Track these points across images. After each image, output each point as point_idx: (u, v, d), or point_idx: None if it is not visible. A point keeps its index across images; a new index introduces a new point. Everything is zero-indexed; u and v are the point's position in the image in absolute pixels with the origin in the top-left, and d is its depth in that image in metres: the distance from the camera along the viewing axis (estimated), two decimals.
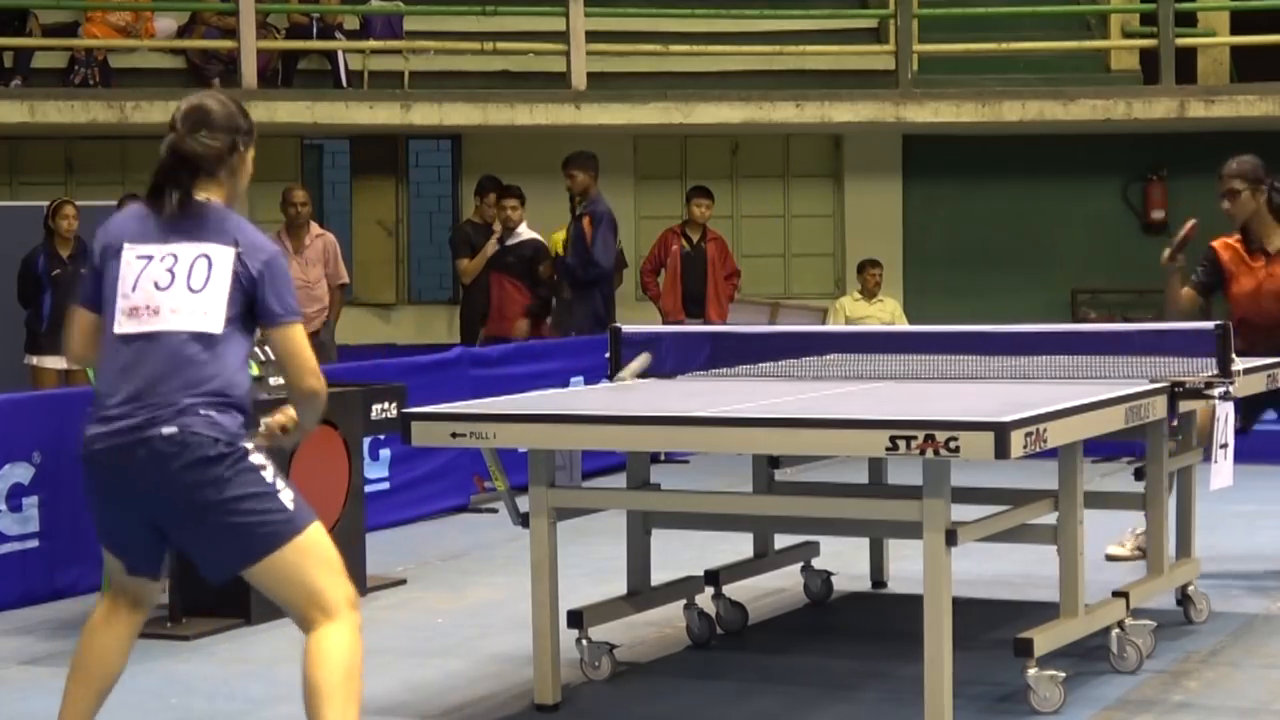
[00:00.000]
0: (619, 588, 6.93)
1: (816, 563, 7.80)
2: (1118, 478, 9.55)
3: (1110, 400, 6.10)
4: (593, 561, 8.22)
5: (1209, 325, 6.74)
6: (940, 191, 17.86)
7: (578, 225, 12.80)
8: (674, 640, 7.13)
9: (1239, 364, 6.64)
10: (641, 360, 7.26)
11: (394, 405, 8.38)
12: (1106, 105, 16.42)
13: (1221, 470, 6.70)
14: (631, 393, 6.91)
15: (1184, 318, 8.15)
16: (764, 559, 7.59)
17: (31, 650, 7.27)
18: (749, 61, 17.34)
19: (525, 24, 16.74)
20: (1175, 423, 6.72)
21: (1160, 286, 8.63)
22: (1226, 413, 6.68)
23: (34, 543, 8.06)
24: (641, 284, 15.03)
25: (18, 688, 6.65)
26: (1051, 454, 5.96)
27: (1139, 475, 7.02)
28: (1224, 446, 6.71)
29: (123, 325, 4.77)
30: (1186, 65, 17.39)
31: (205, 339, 4.73)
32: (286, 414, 5.04)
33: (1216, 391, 6.56)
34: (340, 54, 16.64)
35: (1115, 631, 6.44)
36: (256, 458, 4.75)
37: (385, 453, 10.02)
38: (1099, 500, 7.24)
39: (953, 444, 5.21)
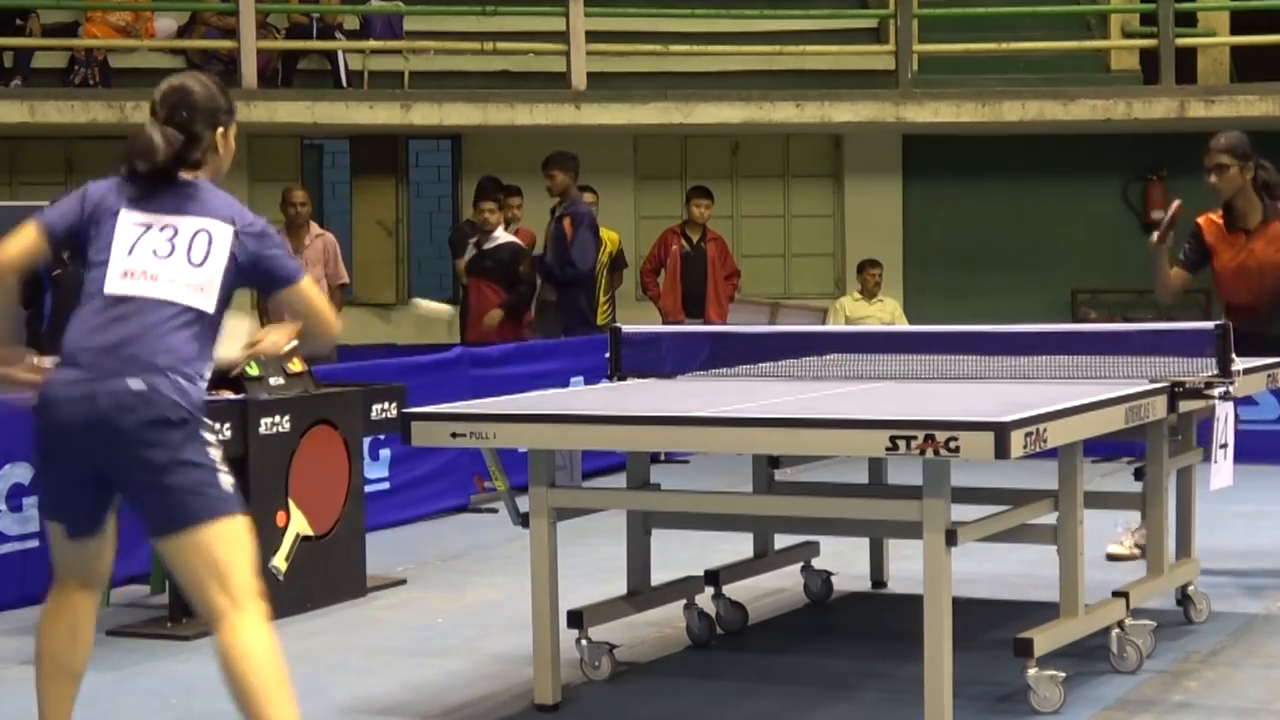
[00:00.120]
0: (619, 588, 6.93)
1: (816, 563, 7.81)
2: (1118, 478, 9.55)
3: (1110, 400, 6.10)
4: (593, 561, 8.22)
5: (1209, 325, 6.75)
6: (940, 191, 17.86)
7: (558, 226, 12.81)
8: (674, 640, 7.13)
9: (1239, 364, 6.64)
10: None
11: (394, 405, 8.40)
12: (1106, 105, 16.42)
13: (1221, 470, 6.70)
14: (631, 393, 6.91)
15: (1174, 297, 8.27)
16: (764, 559, 7.59)
17: (31, 650, 7.18)
18: (749, 61, 17.34)
19: (525, 24, 16.74)
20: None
21: None
22: (1226, 413, 6.68)
23: (34, 543, 8.05)
24: (641, 284, 15.05)
25: (18, 688, 6.64)
26: (1051, 454, 5.96)
27: (1139, 475, 7.02)
28: (1224, 446, 6.71)
29: (115, 285, 4.81)
30: (1186, 65, 17.39)
31: (196, 316, 4.82)
32: (289, 331, 5.10)
33: (1216, 391, 6.56)
34: (340, 54, 16.65)
35: (1115, 631, 6.44)
36: (210, 436, 4.80)
37: (385, 453, 10.02)
38: (1099, 500, 7.24)
39: (953, 444, 5.21)
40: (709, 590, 7.19)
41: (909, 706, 5.76)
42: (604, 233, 13.86)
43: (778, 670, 6.70)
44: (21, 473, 8.03)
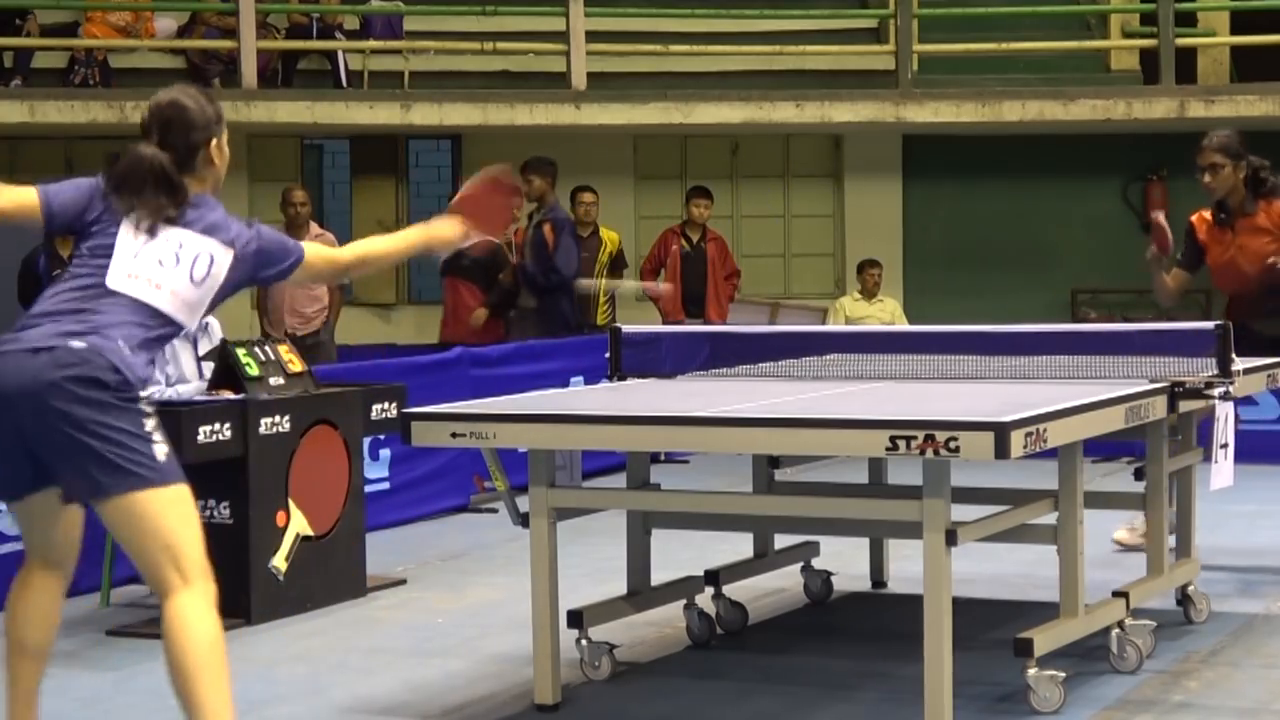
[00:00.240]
0: (619, 588, 6.93)
1: (816, 563, 7.81)
2: (1118, 478, 9.55)
3: (1110, 400, 6.10)
4: (593, 561, 8.22)
5: (1209, 325, 6.75)
6: (940, 191, 17.86)
7: (538, 232, 12.79)
8: (674, 640, 7.13)
9: (1239, 364, 6.64)
10: None
11: (394, 405, 8.40)
12: (1106, 105, 16.42)
13: (1221, 470, 6.70)
14: (631, 393, 6.91)
15: (1175, 300, 8.37)
16: (764, 559, 7.59)
17: None
18: (749, 61, 17.34)
19: (525, 24, 16.74)
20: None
21: None
22: (1226, 413, 6.68)
23: None
24: None
25: None
26: (1051, 454, 5.96)
27: (1139, 475, 7.02)
28: (1224, 446, 6.71)
29: (118, 281, 4.85)
30: (1186, 65, 17.39)
31: (175, 329, 4.94)
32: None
33: (1216, 391, 6.56)
34: (340, 54, 16.64)
35: (1115, 631, 6.44)
36: (147, 407, 4.77)
37: (385, 453, 10.02)
38: (1099, 500, 7.24)
39: (953, 444, 5.21)
40: (709, 590, 7.19)
41: (909, 706, 5.76)
42: (604, 233, 13.86)
43: (778, 670, 6.70)
44: None
